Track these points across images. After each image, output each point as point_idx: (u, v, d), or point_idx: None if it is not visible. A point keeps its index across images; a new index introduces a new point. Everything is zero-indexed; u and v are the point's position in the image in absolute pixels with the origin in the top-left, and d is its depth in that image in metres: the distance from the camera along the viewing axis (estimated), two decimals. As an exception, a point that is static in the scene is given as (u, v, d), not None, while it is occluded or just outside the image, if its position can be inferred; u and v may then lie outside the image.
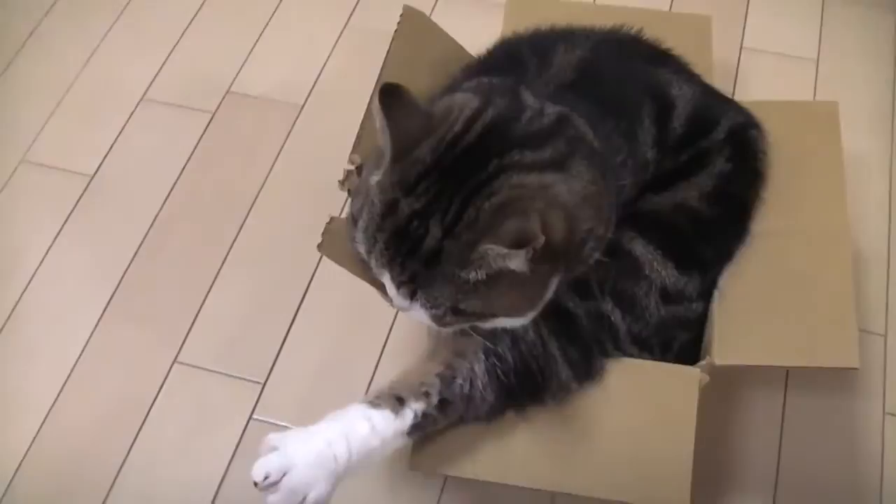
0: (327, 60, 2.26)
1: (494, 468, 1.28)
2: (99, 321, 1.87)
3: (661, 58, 1.54)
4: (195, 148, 2.12)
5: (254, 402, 1.76)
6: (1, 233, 2.02)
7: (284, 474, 1.12)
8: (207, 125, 2.16)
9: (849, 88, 2.15)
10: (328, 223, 1.22)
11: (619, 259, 1.30)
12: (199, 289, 1.91)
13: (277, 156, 2.10)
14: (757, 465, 1.66)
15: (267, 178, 2.06)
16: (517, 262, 1.03)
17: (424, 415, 1.22)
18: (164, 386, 1.79)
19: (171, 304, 1.90)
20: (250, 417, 1.74)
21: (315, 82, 2.22)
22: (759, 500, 1.63)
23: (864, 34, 2.26)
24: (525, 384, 1.26)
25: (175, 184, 2.06)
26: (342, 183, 1.31)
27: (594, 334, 1.30)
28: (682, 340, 1.38)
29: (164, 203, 2.04)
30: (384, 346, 1.81)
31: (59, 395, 1.78)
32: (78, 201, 2.05)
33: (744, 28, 2.28)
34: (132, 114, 2.19)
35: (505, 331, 1.24)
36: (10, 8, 2.42)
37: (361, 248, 1.14)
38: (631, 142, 1.36)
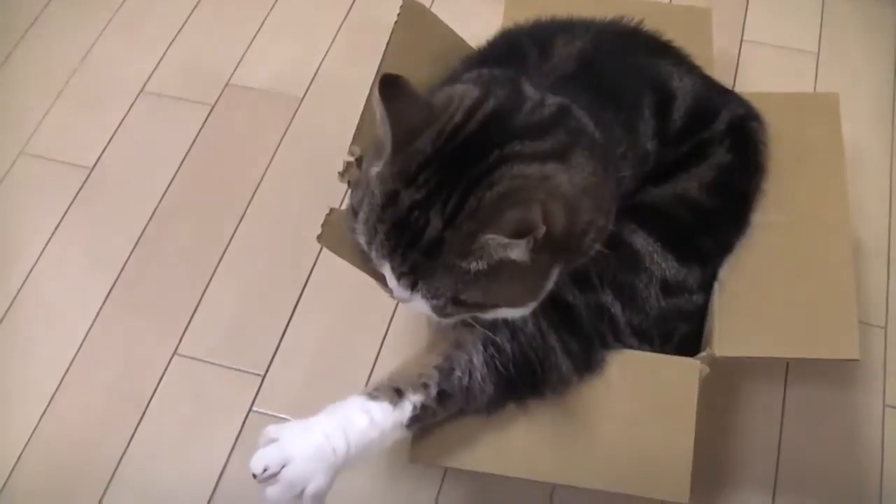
0: (327, 53, 2.26)
1: (494, 460, 1.28)
2: (98, 313, 1.87)
3: (661, 49, 1.54)
4: (194, 140, 2.12)
5: (253, 395, 1.76)
6: (0, 225, 2.02)
7: (283, 466, 1.12)
8: (207, 117, 2.16)
9: (849, 81, 2.15)
10: (328, 215, 1.22)
11: (619, 251, 1.29)
12: (198, 281, 1.91)
13: (277, 148, 2.10)
14: (757, 456, 1.66)
15: (266, 170, 2.06)
16: (518, 252, 1.03)
17: (423, 407, 1.22)
18: (164, 378, 1.79)
19: (171, 296, 1.90)
20: (250, 409, 1.75)
21: (315, 74, 2.22)
22: (759, 491, 1.63)
23: (864, 27, 2.26)
24: (524, 376, 1.26)
25: (174, 176, 2.06)
26: (342, 174, 1.31)
27: (594, 326, 1.30)
28: (683, 332, 1.38)
29: (163, 195, 2.04)
30: (384, 338, 1.81)
31: (58, 387, 1.78)
32: (77, 194, 2.05)
33: (744, 20, 2.27)
34: (131, 106, 2.19)
35: (505, 323, 1.24)
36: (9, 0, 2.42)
37: (362, 240, 1.14)
38: (631, 134, 1.36)
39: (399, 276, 1.10)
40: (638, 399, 1.31)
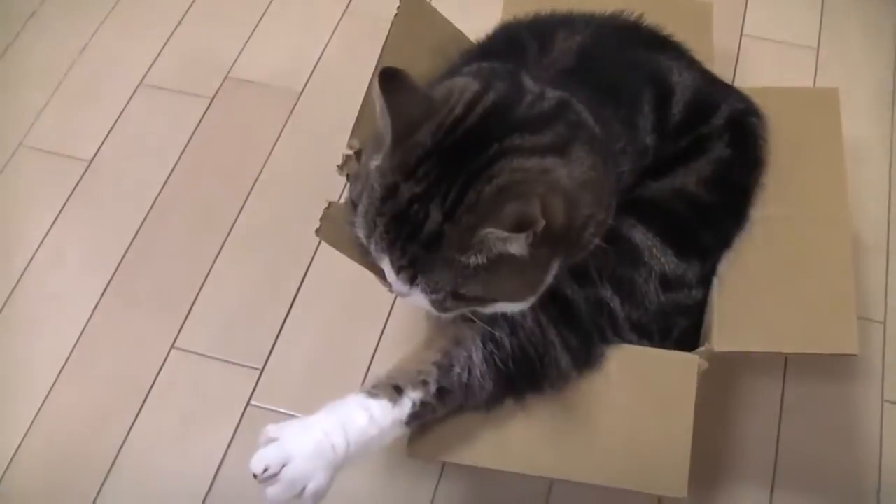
0: (326, 46, 2.26)
1: (493, 455, 1.28)
2: (97, 306, 1.87)
3: (661, 44, 1.54)
4: (193, 133, 2.12)
5: (251, 388, 1.76)
6: (-1, 217, 2.03)
7: (283, 466, 1.12)
8: (206, 110, 2.15)
9: (849, 77, 2.15)
10: (326, 208, 1.22)
11: (618, 245, 1.29)
12: (196, 274, 1.91)
13: (276, 141, 2.10)
14: (755, 451, 1.66)
15: (265, 163, 2.06)
16: (517, 245, 1.03)
17: (422, 404, 1.21)
18: (162, 371, 1.79)
19: (169, 289, 1.90)
20: (248, 403, 1.75)
21: (314, 68, 2.22)
22: (757, 486, 1.63)
23: (864, 22, 2.25)
24: (524, 372, 1.26)
25: (173, 169, 2.06)
26: (341, 167, 1.31)
27: (593, 321, 1.30)
28: (682, 327, 1.38)
29: (161, 188, 2.03)
30: (382, 332, 1.81)
31: (56, 379, 1.79)
32: (75, 186, 2.05)
33: (744, 15, 2.27)
34: (130, 99, 2.19)
35: (504, 318, 1.23)
36: (9, -8, 2.42)
37: (361, 233, 1.13)
38: (630, 128, 1.36)
39: (398, 270, 1.10)
40: (636, 394, 1.30)
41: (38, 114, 2.17)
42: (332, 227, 1.22)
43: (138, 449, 1.71)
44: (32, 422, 1.74)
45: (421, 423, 1.25)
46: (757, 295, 1.37)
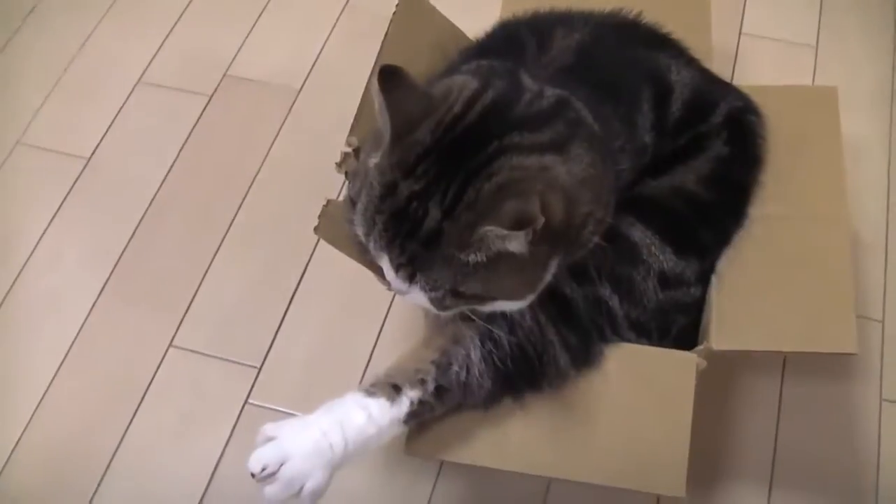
0: (325, 44, 2.26)
1: (491, 454, 1.28)
2: (94, 304, 1.87)
3: (659, 42, 1.54)
4: (192, 131, 2.11)
5: (249, 387, 1.76)
6: (-4, 215, 2.02)
7: (281, 465, 1.12)
8: (204, 108, 2.15)
9: (848, 75, 2.15)
10: (325, 206, 1.22)
11: (617, 243, 1.29)
12: (194, 272, 1.91)
13: (274, 139, 2.09)
14: (754, 450, 1.66)
15: (264, 161, 2.06)
16: (516, 243, 1.03)
17: (421, 402, 1.21)
18: (160, 369, 1.79)
19: (167, 287, 1.89)
20: (245, 402, 1.74)
21: (313, 66, 2.22)
22: (755, 485, 1.63)
23: (863, 20, 2.25)
24: (522, 371, 1.26)
25: (172, 167, 2.06)
26: (339, 165, 1.30)
27: (592, 319, 1.30)
28: (681, 325, 1.38)
29: (160, 186, 2.03)
30: (380, 330, 1.81)
31: (54, 377, 1.78)
32: (74, 184, 2.05)
33: (743, 13, 2.27)
34: (129, 96, 2.19)
35: (502, 317, 1.23)
36: (8, -11, 2.41)
37: (360, 231, 1.13)
38: (629, 126, 1.35)
39: (397, 268, 1.10)
40: (635, 393, 1.30)
41: (37, 111, 2.17)
42: (330, 225, 1.22)
43: (136, 447, 1.71)
44: (30, 419, 1.74)
45: (419, 421, 1.25)
46: (756, 293, 1.37)
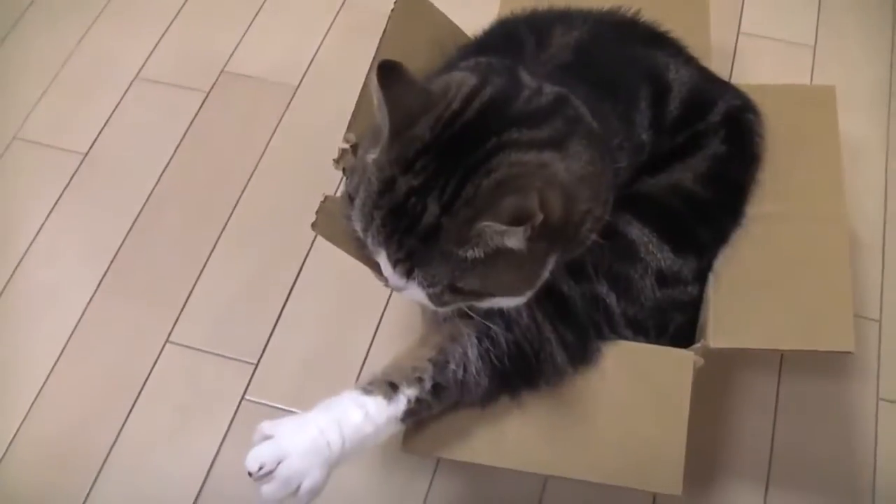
0: (323, 41, 2.25)
1: (488, 452, 1.28)
2: (91, 300, 1.87)
3: (658, 40, 1.54)
4: (189, 127, 2.11)
5: (246, 383, 1.76)
6: (-7, 210, 2.02)
7: (278, 463, 1.12)
8: (202, 104, 2.15)
9: (846, 75, 2.15)
10: (322, 202, 1.21)
11: (614, 241, 1.29)
12: (191, 268, 1.90)
13: (272, 136, 2.09)
14: (750, 448, 1.66)
15: (261, 157, 2.06)
16: (515, 239, 1.02)
17: (418, 400, 1.21)
18: (156, 365, 1.79)
19: (164, 283, 1.89)
20: (242, 398, 1.74)
21: (310, 63, 2.21)
22: (752, 483, 1.63)
23: (861, 20, 2.25)
24: (520, 368, 1.26)
25: (169, 163, 2.06)
26: (337, 161, 1.30)
27: (589, 317, 1.30)
28: (678, 323, 1.38)
29: (157, 182, 2.03)
30: (378, 327, 1.80)
31: (50, 373, 1.78)
32: (71, 180, 2.04)
33: (741, 13, 2.27)
34: (126, 92, 2.19)
35: (500, 315, 1.23)
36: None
37: (358, 226, 1.13)
38: (627, 124, 1.36)
39: (395, 263, 1.10)
40: (632, 390, 1.30)
41: (34, 106, 2.17)
42: (328, 221, 1.21)
43: (132, 442, 1.71)
44: (27, 414, 1.74)
45: (416, 419, 1.25)
46: (753, 291, 1.37)
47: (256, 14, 2.32)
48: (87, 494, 1.66)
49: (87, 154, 2.08)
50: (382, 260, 1.12)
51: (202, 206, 2.00)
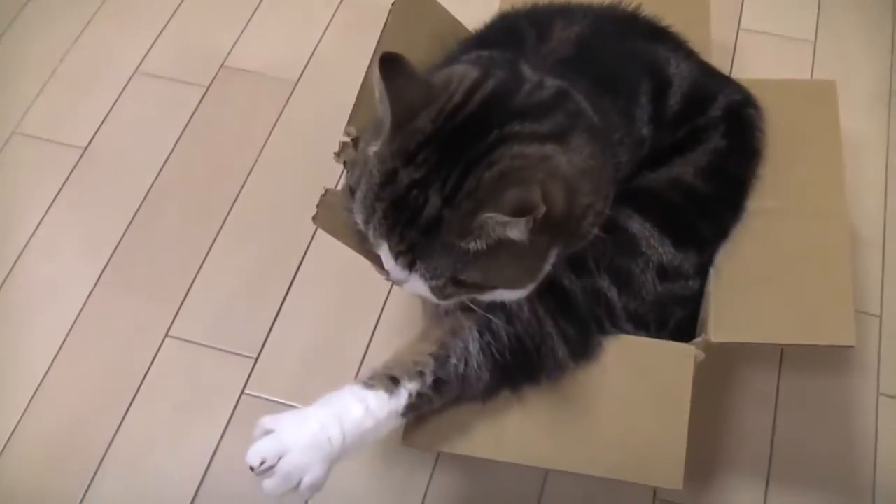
0: (323, 35, 2.25)
1: (488, 445, 1.28)
2: (90, 295, 1.87)
3: (659, 35, 1.54)
4: (188, 122, 2.11)
5: (245, 377, 1.76)
6: (-8, 205, 2.02)
7: (280, 458, 1.12)
8: (201, 99, 2.15)
9: (846, 70, 2.15)
10: (323, 195, 1.21)
11: (615, 235, 1.29)
12: (191, 263, 1.90)
13: (272, 130, 2.09)
14: (751, 443, 1.66)
15: (261, 152, 2.06)
16: (517, 231, 1.02)
17: (419, 395, 1.21)
18: (156, 360, 1.79)
19: (164, 277, 1.89)
20: (242, 392, 1.74)
21: (310, 57, 2.21)
22: (752, 478, 1.63)
23: (861, 16, 2.26)
24: (521, 363, 1.26)
25: (168, 157, 2.06)
26: (338, 154, 1.30)
27: (590, 311, 1.30)
28: (679, 318, 1.38)
29: (156, 176, 2.03)
30: (378, 322, 1.80)
31: (49, 368, 1.78)
32: (70, 174, 2.04)
33: (741, 9, 2.27)
34: (126, 86, 2.19)
35: (501, 309, 1.23)
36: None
37: (359, 218, 1.13)
38: (628, 119, 1.36)
39: (397, 256, 1.10)
40: (633, 385, 1.30)
41: (33, 101, 2.17)
42: (328, 214, 1.21)
43: (132, 437, 1.71)
44: (26, 409, 1.74)
45: (417, 414, 1.25)
46: (754, 286, 1.37)
47: (256, 8, 2.31)
48: (87, 488, 1.66)
49: (86, 148, 2.08)
50: (384, 253, 1.12)
51: (202, 200, 2.00)
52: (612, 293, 1.31)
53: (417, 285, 1.12)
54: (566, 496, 1.62)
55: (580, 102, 1.22)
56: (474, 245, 1.05)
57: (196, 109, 2.13)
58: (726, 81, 1.54)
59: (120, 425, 1.71)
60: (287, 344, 1.80)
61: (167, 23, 2.30)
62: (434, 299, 1.16)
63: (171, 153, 2.06)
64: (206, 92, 2.16)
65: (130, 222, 1.96)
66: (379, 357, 1.27)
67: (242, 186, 2.00)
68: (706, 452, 1.63)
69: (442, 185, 1.05)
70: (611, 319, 1.31)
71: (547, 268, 1.16)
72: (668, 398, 1.28)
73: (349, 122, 1.30)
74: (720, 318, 1.32)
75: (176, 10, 2.32)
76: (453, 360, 1.23)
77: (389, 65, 1.07)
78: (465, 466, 1.64)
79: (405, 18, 1.47)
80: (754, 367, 1.74)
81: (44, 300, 1.87)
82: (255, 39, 2.26)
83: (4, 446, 1.70)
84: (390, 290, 1.82)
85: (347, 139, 1.29)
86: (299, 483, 1.13)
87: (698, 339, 1.31)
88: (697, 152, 1.40)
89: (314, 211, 1.20)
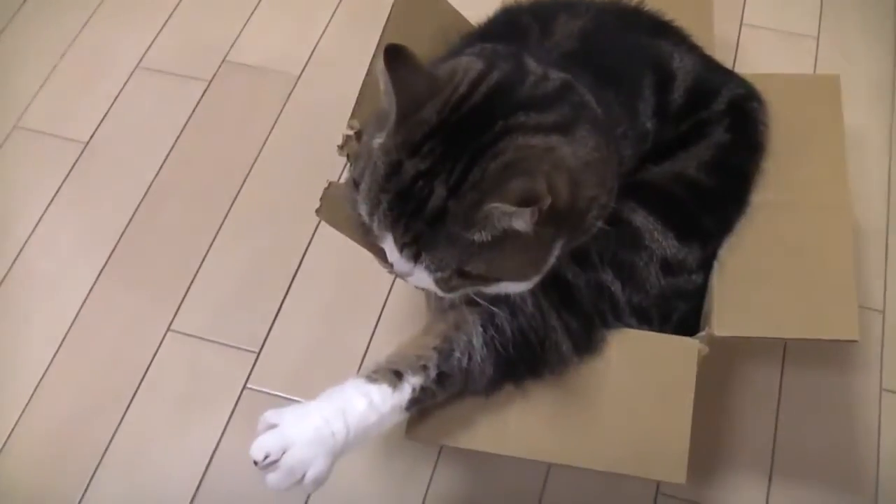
0: (325, 30, 2.25)
1: (491, 439, 1.28)
2: (92, 289, 1.87)
3: (662, 29, 1.54)
4: (191, 116, 2.11)
5: (248, 371, 1.76)
6: (-6, 199, 2.02)
7: (283, 453, 1.12)
8: (203, 93, 2.15)
9: (849, 65, 2.15)
10: (326, 188, 1.21)
11: (619, 229, 1.29)
12: (193, 257, 1.90)
13: (274, 124, 2.09)
14: (754, 438, 1.66)
15: (263, 146, 2.06)
16: (522, 221, 1.02)
17: (423, 389, 1.21)
18: (158, 354, 1.79)
19: (166, 272, 1.89)
20: (244, 386, 1.74)
21: (312, 51, 2.21)
22: (755, 472, 1.63)
23: (864, 11, 2.25)
24: (524, 357, 1.26)
25: (170, 151, 2.06)
26: (341, 147, 1.30)
27: (594, 305, 1.30)
28: (682, 312, 1.38)
29: (158, 171, 2.03)
30: (380, 316, 1.80)
31: (51, 361, 1.78)
32: (72, 168, 2.04)
33: (744, 4, 2.27)
34: (127, 81, 2.19)
35: (505, 303, 1.23)
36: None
37: (363, 210, 1.12)
38: (631, 113, 1.36)
39: (402, 248, 1.09)
40: (636, 379, 1.30)
41: (35, 95, 2.17)
42: (332, 207, 1.21)
43: (134, 431, 1.71)
44: (27, 404, 1.74)
45: (420, 408, 1.25)
46: (757, 280, 1.37)
47: (258, 2, 2.31)
48: (89, 481, 1.66)
49: (87, 143, 2.08)
50: (388, 245, 1.12)
51: (204, 194, 1.99)
52: (616, 287, 1.31)
53: (422, 277, 1.12)
54: (569, 490, 1.62)
55: (584, 95, 1.22)
56: (479, 236, 1.04)
57: (198, 104, 2.13)
58: (729, 75, 1.54)
59: (121, 420, 1.71)
60: (289, 338, 1.80)
61: (169, 17, 2.30)
62: (438, 292, 1.16)
63: (172, 148, 2.06)
64: (207, 86, 2.16)
65: (132, 216, 1.96)
66: (381, 351, 1.26)
67: (245, 180, 2.00)
68: (709, 447, 1.63)
69: (447, 176, 1.05)
70: (614, 313, 1.31)
71: (552, 260, 1.16)
72: (672, 392, 1.28)
73: (352, 116, 1.30)
74: (723, 312, 1.32)
75: (178, 5, 2.32)
76: (457, 354, 1.23)
77: (394, 56, 1.07)
78: (468, 460, 1.64)
79: (408, 12, 1.46)
80: (757, 363, 1.74)
81: (45, 295, 1.87)
82: (258, 33, 2.26)
83: (4, 443, 1.70)
84: (393, 284, 1.82)
85: (351, 132, 1.29)
86: (303, 477, 1.13)
87: (702, 334, 1.31)
88: (701, 146, 1.40)
89: (317, 204, 1.19)
